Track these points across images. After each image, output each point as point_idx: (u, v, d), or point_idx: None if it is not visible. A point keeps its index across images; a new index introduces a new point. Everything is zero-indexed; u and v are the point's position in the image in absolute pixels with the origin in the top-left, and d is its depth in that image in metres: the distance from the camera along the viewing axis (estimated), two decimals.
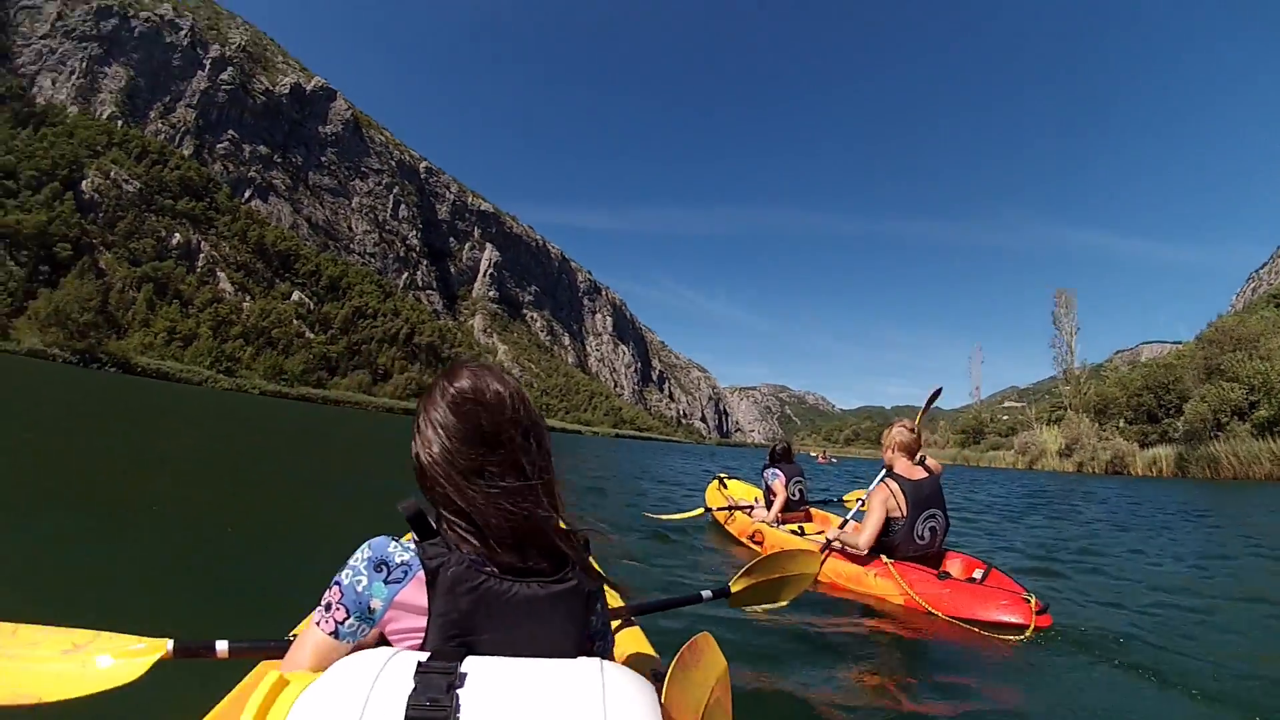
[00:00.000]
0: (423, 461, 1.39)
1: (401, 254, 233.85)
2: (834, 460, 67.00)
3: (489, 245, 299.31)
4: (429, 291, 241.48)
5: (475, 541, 1.34)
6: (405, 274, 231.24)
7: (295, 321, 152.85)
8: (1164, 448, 41.57)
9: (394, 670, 1.11)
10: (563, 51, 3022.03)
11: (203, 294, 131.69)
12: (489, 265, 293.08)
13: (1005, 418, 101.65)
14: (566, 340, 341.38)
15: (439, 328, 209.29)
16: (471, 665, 1.14)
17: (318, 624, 1.30)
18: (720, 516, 8.38)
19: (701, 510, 8.77)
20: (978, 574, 4.96)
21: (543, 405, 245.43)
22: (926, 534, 5.15)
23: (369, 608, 1.29)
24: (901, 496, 5.08)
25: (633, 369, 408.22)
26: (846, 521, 5.93)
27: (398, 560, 1.30)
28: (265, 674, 1.16)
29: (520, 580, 1.32)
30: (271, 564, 5.05)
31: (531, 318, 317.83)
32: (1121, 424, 53.10)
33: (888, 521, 5.12)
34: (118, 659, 1.49)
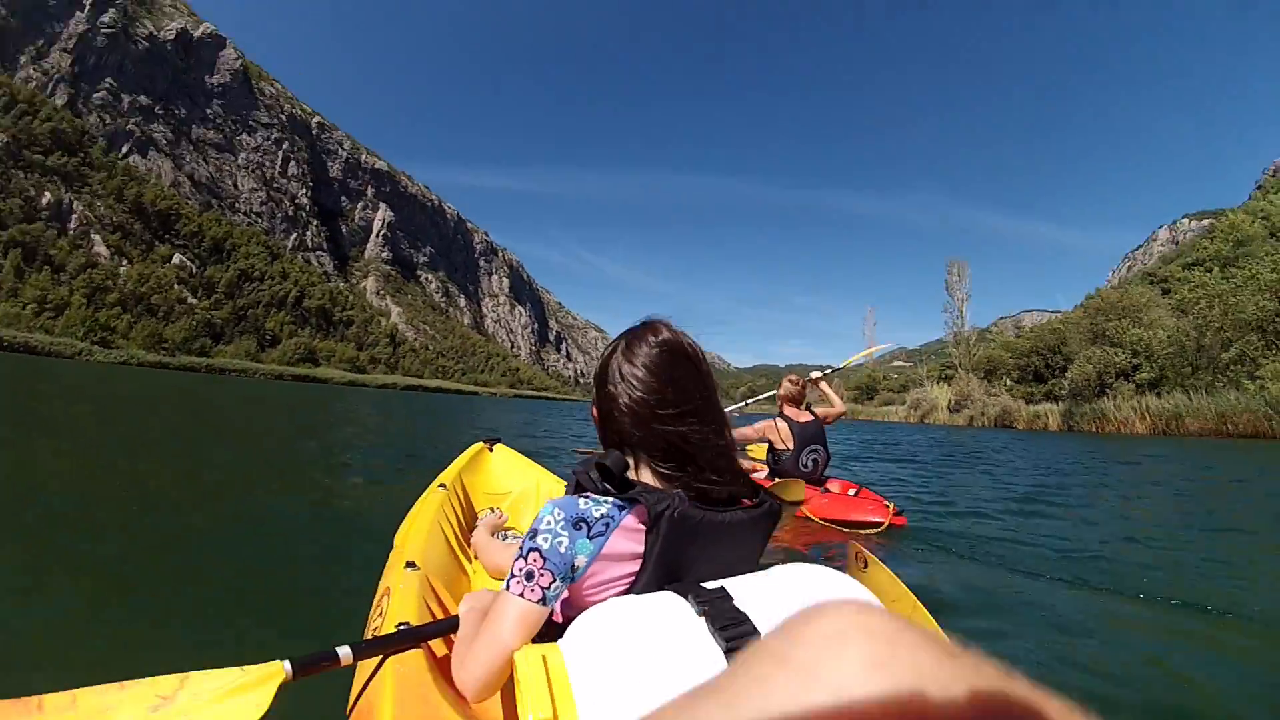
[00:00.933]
0: (622, 411, 1.43)
1: (290, 213, 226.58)
2: (734, 415, 71.64)
3: (383, 205, 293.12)
4: (319, 253, 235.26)
5: (686, 478, 1.40)
6: (294, 235, 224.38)
7: (176, 286, 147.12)
8: (1049, 405, 44.95)
9: (664, 608, 1.16)
10: (462, 5, 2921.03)
11: (75, 259, 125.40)
12: (382, 225, 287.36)
13: (896, 376, 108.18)
14: (462, 302, 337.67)
15: (330, 290, 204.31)
16: (718, 588, 1.24)
17: (521, 594, 1.29)
18: None
19: None
20: (851, 492, 5.90)
21: (439, 367, 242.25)
22: (810, 464, 6.11)
23: (573, 566, 1.30)
24: (788, 432, 6.08)
25: (530, 330, 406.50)
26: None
27: (596, 515, 1.32)
28: (526, 655, 1.13)
29: (729, 510, 1.41)
30: (222, 557, 3.95)
31: (426, 279, 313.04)
32: (1008, 383, 56.68)
33: (777, 452, 6.14)
34: (226, 699, 1.27)
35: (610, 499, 1.35)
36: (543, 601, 1.29)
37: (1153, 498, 9.11)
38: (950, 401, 59.11)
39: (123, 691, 1.25)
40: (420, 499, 2.98)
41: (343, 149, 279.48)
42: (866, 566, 2.03)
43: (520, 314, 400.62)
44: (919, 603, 1.78)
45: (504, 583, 1.32)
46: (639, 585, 1.34)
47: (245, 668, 1.32)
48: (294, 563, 3.92)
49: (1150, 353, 38.46)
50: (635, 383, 1.43)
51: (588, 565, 1.31)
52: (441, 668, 1.57)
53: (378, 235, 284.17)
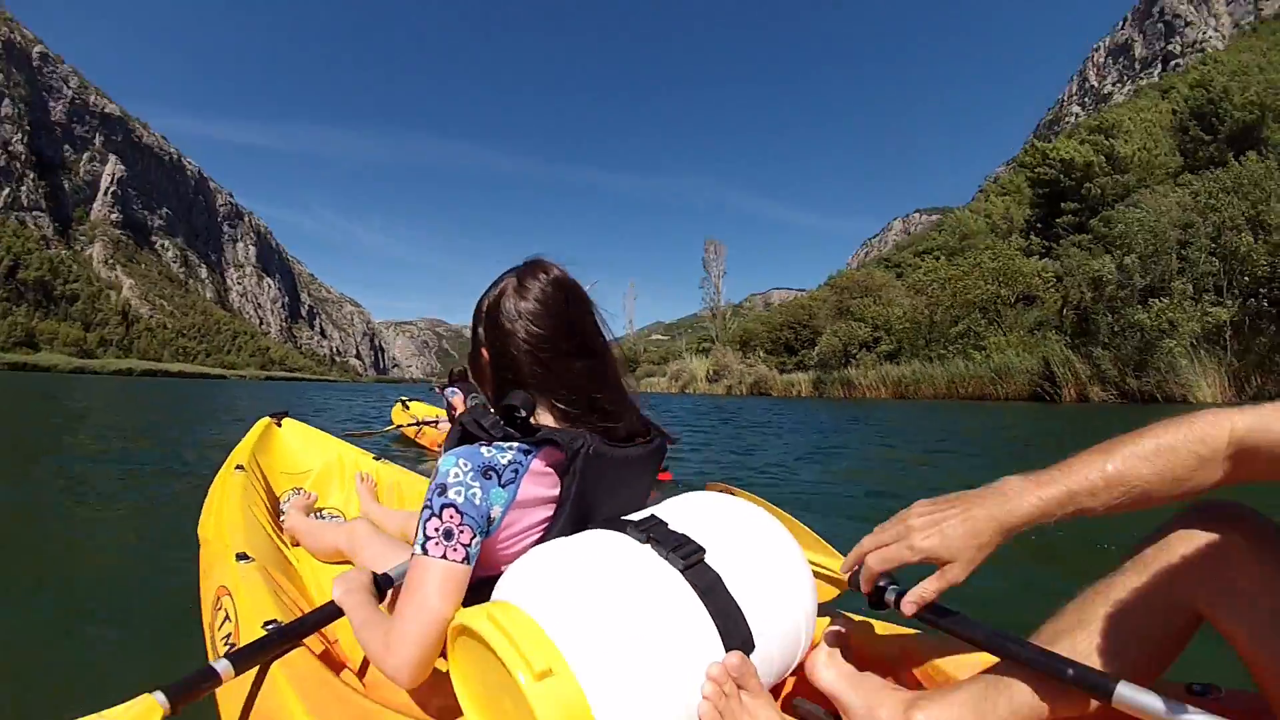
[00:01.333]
0: (520, 349, 1.39)
1: (2, 164, 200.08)
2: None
3: (113, 157, 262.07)
4: (36, 213, 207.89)
5: (588, 417, 1.40)
6: (5, 190, 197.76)
7: None
8: (801, 373, 48.47)
9: (606, 542, 1.19)
10: None
11: None
12: (112, 181, 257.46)
13: (656, 348, 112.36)
14: (204, 273, 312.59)
15: (49, 259, 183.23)
16: (649, 516, 1.30)
17: (443, 556, 1.21)
18: (410, 432, 9.68)
19: (393, 426, 10.15)
20: None
21: (179, 348, 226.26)
22: None
23: (489, 518, 1.25)
24: None
25: (280, 304, 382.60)
26: None
27: (504, 461, 1.28)
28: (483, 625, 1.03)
29: (630, 445, 1.43)
30: None
31: (163, 246, 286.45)
32: (762, 354, 59.21)
33: None
34: None
35: (514, 444, 1.32)
36: (466, 560, 1.23)
37: (894, 448, 11.11)
38: (709, 371, 62.21)
39: None
40: (216, 484, 2.76)
41: (68, 87, 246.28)
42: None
43: (269, 286, 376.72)
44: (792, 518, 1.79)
45: (417, 547, 1.24)
46: (555, 530, 1.33)
47: (116, 709, 1.15)
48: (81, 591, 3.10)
49: (889, 327, 42.46)
50: (532, 320, 1.39)
51: (503, 515, 1.27)
52: (329, 663, 1.51)
53: (106, 193, 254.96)
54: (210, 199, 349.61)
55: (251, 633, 1.52)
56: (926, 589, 1.12)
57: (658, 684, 1.03)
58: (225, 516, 2.37)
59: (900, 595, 1.19)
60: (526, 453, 1.31)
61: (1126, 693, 0.98)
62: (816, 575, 1.43)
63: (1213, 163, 34.13)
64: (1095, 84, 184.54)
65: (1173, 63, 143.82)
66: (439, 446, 9.65)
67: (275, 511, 2.77)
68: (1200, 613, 1.06)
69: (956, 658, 1.32)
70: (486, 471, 1.26)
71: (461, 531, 1.21)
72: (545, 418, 1.41)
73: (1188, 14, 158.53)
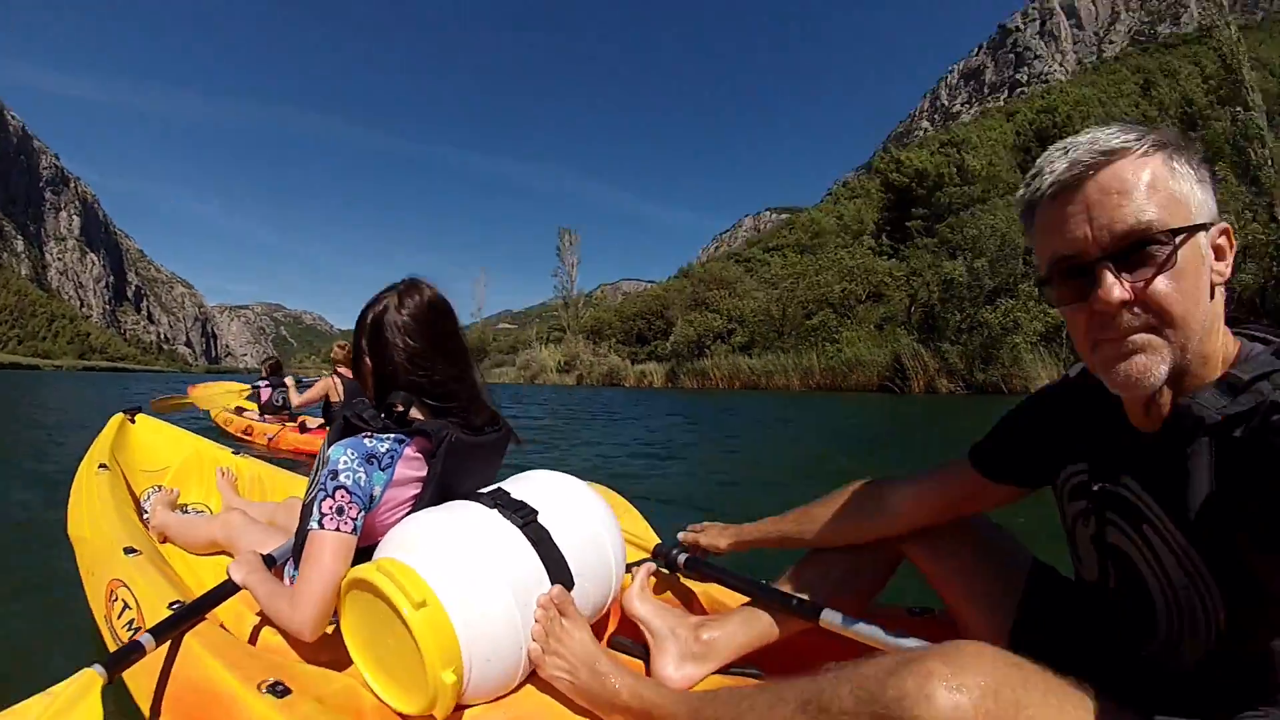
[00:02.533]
0: (398, 359, 1.72)
1: None
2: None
3: None
4: None
5: (451, 411, 1.76)
6: None
7: None
8: (654, 364, 49.24)
9: (464, 509, 1.55)
10: None
11: None
12: None
13: (504, 338, 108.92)
14: (20, 245, 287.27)
15: None
16: (495, 489, 1.66)
17: (337, 529, 1.51)
18: (221, 419, 9.86)
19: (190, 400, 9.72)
20: None
21: None
22: None
23: (371, 496, 1.58)
24: (341, 388, 7.39)
25: (104, 283, 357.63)
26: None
27: (382, 449, 1.61)
28: (373, 580, 1.34)
29: (484, 434, 1.81)
30: None
31: None
32: (614, 344, 59.81)
33: (332, 404, 7.52)
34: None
35: (390, 435, 1.66)
36: (354, 531, 1.55)
37: (748, 435, 11.79)
38: (559, 362, 61.24)
39: None
40: (79, 483, 2.81)
41: None
42: None
43: (93, 263, 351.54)
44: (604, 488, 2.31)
45: (313, 523, 1.53)
46: (423, 503, 1.68)
47: (59, 685, 1.28)
48: None
49: (743, 319, 43.93)
50: (409, 335, 1.74)
51: (383, 494, 1.62)
52: (234, 628, 1.77)
53: None
54: (33, 159, 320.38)
55: (157, 614, 1.70)
56: (701, 556, 1.95)
57: (502, 610, 1.40)
58: (101, 514, 2.46)
59: (687, 560, 1.94)
60: (401, 441, 1.67)
61: (828, 616, 1.55)
62: (629, 540, 1.99)
63: None
64: (946, 103, 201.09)
65: (1018, 90, 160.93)
66: (242, 432, 9.51)
67: (138, 511, 2.79)
68: (902, 551, 1.63)
69: (727, 597, 1.89)
70: (370, 458, 1.60)
71: (350, 508, 1.55)
72: (416, 413, 1.75)
73: (1038, 48, 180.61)
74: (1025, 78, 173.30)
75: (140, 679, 1.56)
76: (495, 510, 1.53)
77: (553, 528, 1.55)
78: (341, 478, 1.54)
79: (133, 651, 1.43)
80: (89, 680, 1.30)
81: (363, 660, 1.46)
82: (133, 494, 2.99)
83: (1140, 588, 1.10)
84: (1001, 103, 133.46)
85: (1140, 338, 0.97)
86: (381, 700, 1.43)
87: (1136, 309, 0.96)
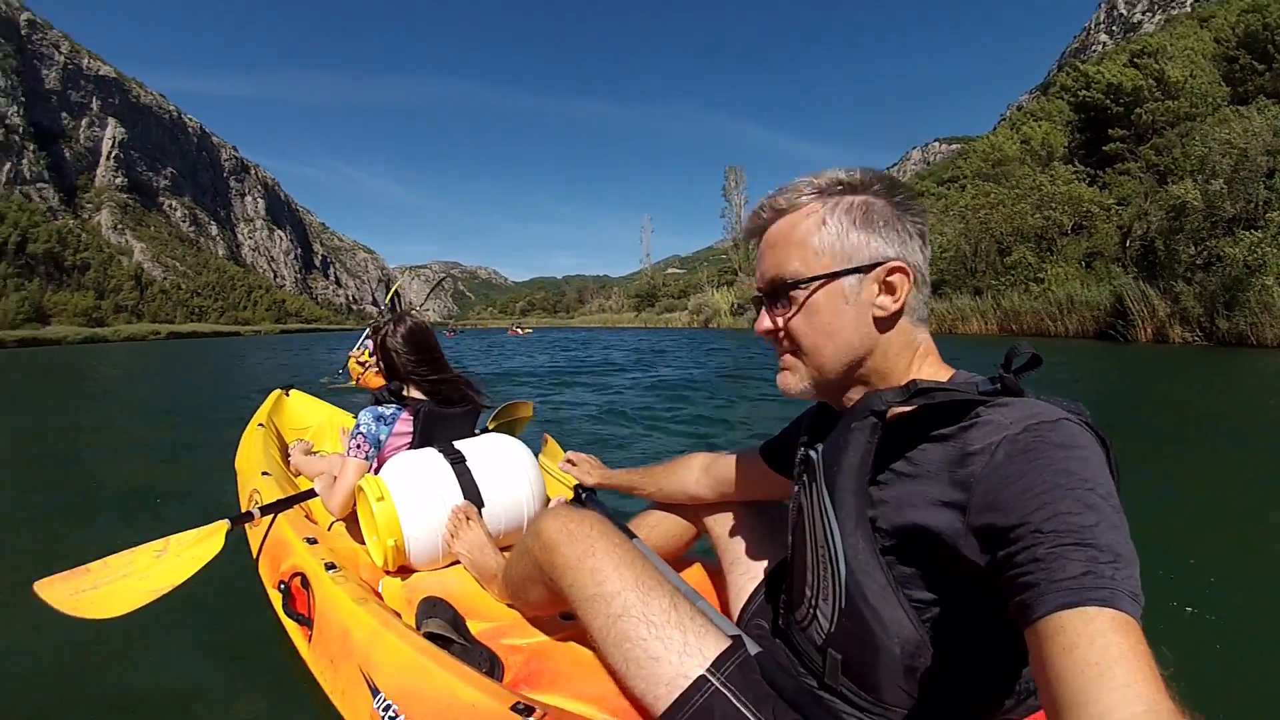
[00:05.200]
0: (399, 363, 2.71)
1: (0, 139, 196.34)
2: (526, 331, 67.57)
3: (112, 120, 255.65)
4: (40, 185, 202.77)
5: (434, 392, 2.75)
6: (7, 165, 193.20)
7: None
8: None
9: (423, 454, 2.45)
10: None
11: None
12: (113, 145, 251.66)
13: (674, 283, 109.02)
14: (214, 229, 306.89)
15: (58, 230, 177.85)
16: (450, 444, 2.54)
17: (353, 455, 2.51)
18: (358, 374, 11.41)
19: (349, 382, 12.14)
20: None
21: (195, 308, 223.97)
22: None
23: (379, 440, 2.56)
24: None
25: (292, 255, 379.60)
26: None
27: (387, 414, 2.61)
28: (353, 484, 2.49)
29: (456, 407, 2.79)
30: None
31: (171, 206, 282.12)
32: None
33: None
34: (199, 544, 2.10)
35: (394, 405, 2.66)
36: (367, 458, 2.53)
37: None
38: (733, 305, 60.55)
39: (134, 553, 2.10)
40: (245, 435, 4.04)
41: (60, 52, 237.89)
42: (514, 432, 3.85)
43: (280, 239, 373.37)
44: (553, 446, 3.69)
45: (346, 452, 2.56)
46: (413, 446, 2.63)
47: (203, 527, 2.19)
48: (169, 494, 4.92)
49: (930, 259, 41.59)
50: (401, 348, 2.71)
51: (386, 439, 2.60)
52: (307, 512, 2.82)
53: (109, 157, 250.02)
54: (214, 154, 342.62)
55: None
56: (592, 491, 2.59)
57: (429, 509, 2.28)
58: (251, 453, 3.61)
59: (587, 496, 2.57)
60: (399, 409, 2.66)
61: None
62: (552, 477, 3.07)
63: (1265, 94, 31.64)
64: (1124, 12, 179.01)
65: None
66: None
67: (285, 455, 3.80)
68: (701, 523, 2.04)
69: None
70: (379, 418, 2.60)
71: (365, 447, 2.53)
72: (412, 392, 2.75)
73: None
74: None
75: (252, 533, 2.65)
76: (441, 455, 2.44)
77: (475, 468, 2.44)
78: (362, 428, 2.55)
79: (246, 518, 2.36)
80: (219, 526, 2.20)
81: (365, 532, 2.39)
82: (283, 443, 4.08)
83: (803, 550, 1.27)
84: (1188, 8, 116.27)
85: (786, 359, 1.22)
86: (370, 557, 2.35)
87: (782, 337, 1.21)
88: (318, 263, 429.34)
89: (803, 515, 1.28)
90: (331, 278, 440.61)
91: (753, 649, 1.30)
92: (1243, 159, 23.07)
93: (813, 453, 1.25)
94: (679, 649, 1.25)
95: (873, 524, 1.09)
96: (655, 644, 1.26)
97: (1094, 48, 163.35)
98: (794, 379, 1.22)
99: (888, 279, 1.13)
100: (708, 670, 1.22)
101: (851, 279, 1.13)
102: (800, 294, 1.15)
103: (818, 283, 1.14)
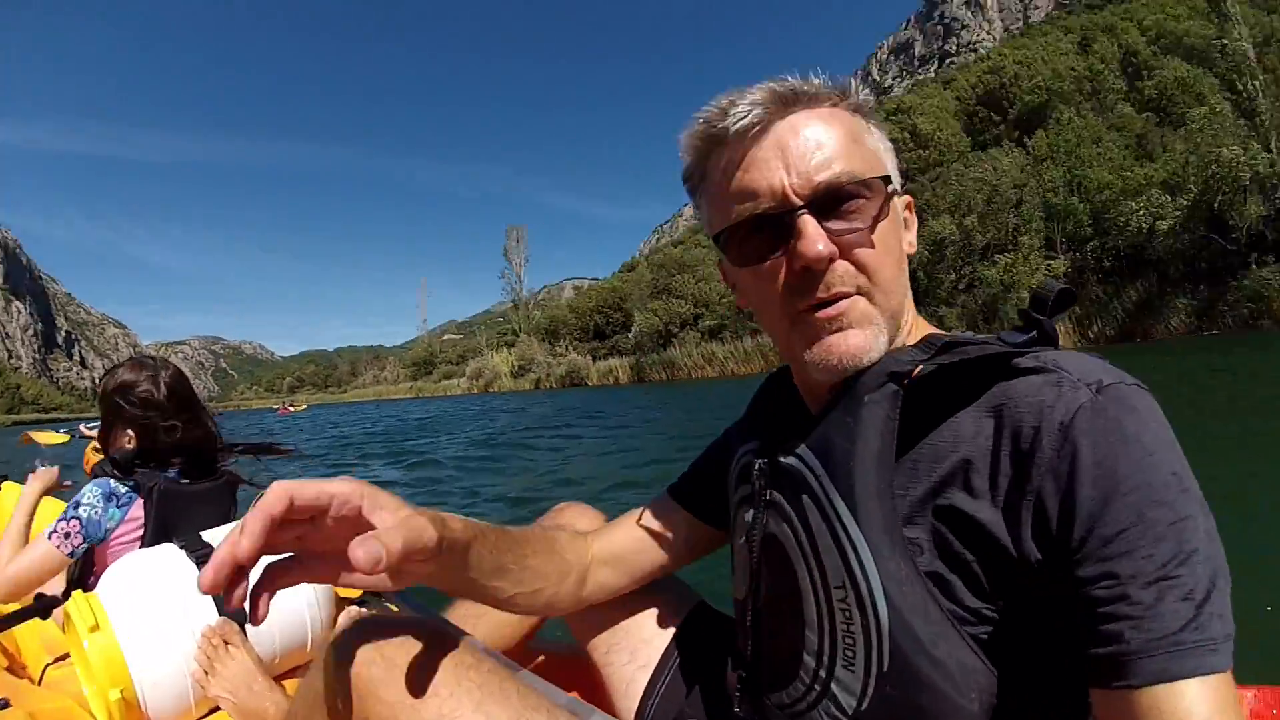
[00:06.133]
0: (132, 415, 2.04)
1: None
2: (299, 408, 68.17)
3: None
4: None
5: (170, 464, 2.07)
6: None
7: None
8: (616, 359, 48.41)
9: (161, 554, 1.74)
10: None
11: None
12: None
13: (451, 349, 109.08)
14: None
15: None
16: (197, 536, 1.83)
17: (57, 546, 1.84)
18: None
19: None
20: None
21: None
22: None
23: (103, 530, 1.91)
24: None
25: (32, 332, 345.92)
26: None
27: (121, 490, 1.95)
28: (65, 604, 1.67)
29: (197, 483, 2.09)
30: None
31: None
32: (572, 342, 58.69)
33: None
34: None
35: (129, 484, 1.98)
36: (71, 554, 1.87)
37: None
38: (513, 366, 60.44)
39: None
40: None
41: None
42: None
43: (19, 311, 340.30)
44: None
45: (49, 529, 1.87)
46: (146, 540, 1.96)
47: None
48: None
49: (709, 303, 42.70)
50: (141, 410, 2.04)
51: (116, 527, 1.94)
52: (8, 650, 2.14)
53: None
54: None
55: None
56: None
57: (171, 639, 1.59)
58: None
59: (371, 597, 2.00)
60: (133, 492, 1.99)
61: None
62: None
63: (999, 143, 38.57)
64: (877, 78, 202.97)
65: (949, 60, 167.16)
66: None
67: None
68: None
69: None
70: (109, 496, 1.94)
71: (75, 538, 1.87)
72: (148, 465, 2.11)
73: (964, 17, 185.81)
74: (954, 48, 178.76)
75: None
76: (183, 552, 1.72)
77: None
78: (81, 510, 1.90)
79: None
80: None
81: (82, 678, 1.65)
82: None
83: (790, 599, 0.89)
84: (932, 74, 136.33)
85: (843, 307, 0.82)
86: (93, 716, 1.62)
87: (840, 271, 0.82)
88: (60, 340, 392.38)
89: (777, 551, 0.92)
90: (76, 357, 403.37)
91: None
92: (994, 193, 26.06)
93: (788, 459, 0.90)
94: None
95: (918, 536, 0.79)
96: None
97: None
98: (867, 335, 0.83)
99: (904, 214, 0.92)
100: None
101: (898, 200, 0.89)
102: (873, 204, 0.83)
103: (892, 188, 0.85)
